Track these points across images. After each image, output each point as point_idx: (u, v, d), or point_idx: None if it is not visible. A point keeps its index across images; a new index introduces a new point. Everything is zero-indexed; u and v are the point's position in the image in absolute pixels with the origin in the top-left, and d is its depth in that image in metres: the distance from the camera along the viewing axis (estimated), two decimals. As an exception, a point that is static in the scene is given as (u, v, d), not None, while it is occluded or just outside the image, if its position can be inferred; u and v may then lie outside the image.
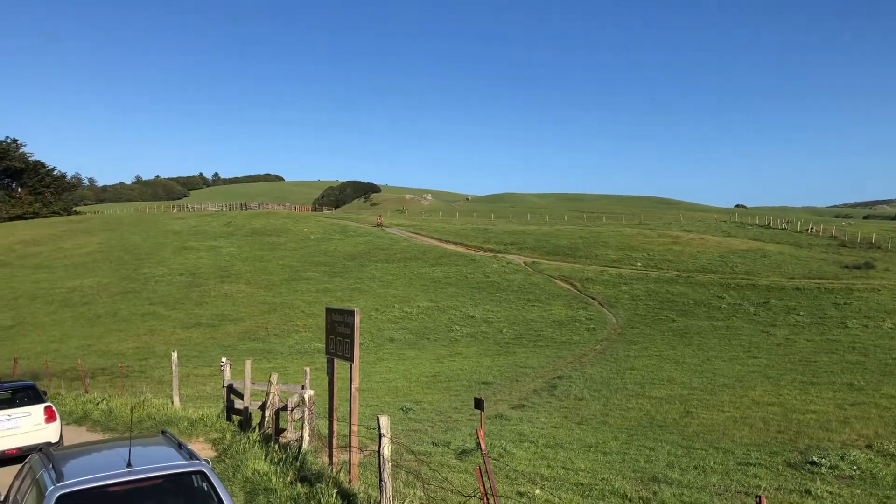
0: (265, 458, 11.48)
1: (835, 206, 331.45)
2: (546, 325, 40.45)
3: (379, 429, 8.19)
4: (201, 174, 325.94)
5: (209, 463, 6.66)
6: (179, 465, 6.27)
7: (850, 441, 14.43)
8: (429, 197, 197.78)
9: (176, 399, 18.80)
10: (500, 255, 65.13)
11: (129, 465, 6.02)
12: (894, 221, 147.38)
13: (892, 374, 22.41)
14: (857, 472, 12.22)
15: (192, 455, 6.62)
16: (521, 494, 10.78)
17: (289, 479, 10.32)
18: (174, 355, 18.90)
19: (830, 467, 12.49)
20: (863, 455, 13.11)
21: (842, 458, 12.90)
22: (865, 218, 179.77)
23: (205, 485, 6.22)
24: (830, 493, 11.08)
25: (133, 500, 5.95)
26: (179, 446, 6.96)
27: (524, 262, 60.89)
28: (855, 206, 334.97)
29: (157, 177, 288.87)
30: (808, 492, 11.15)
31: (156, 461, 6.29)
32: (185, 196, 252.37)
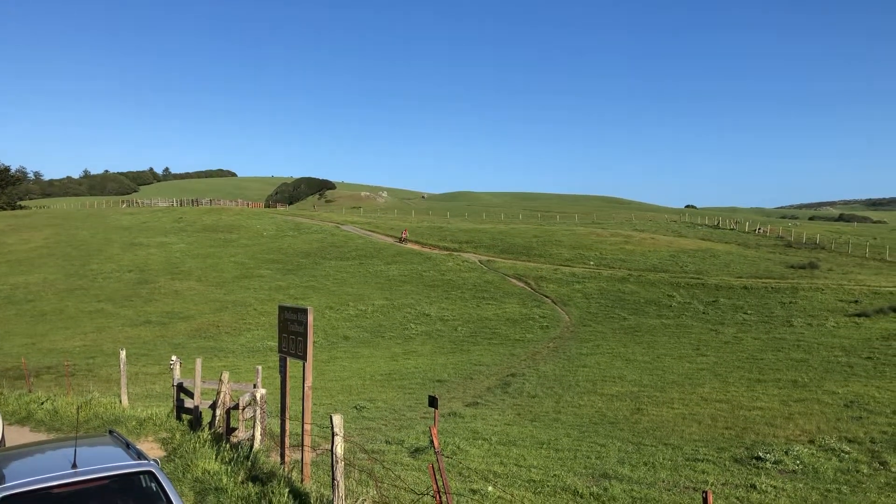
0: (216, 458, 11.34)
1: (782, 207, 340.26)
2: (500, 322, 40.68)
3: (332, 427, 8.16)
4: (151, 169, 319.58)
5: (158, 463, 6.56)
6: (127, 465, 6.16)
7: (794, 436, 14.81)
8: (384, 194, 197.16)
9: (124, 398, 18.42)
10: (455, 253, 65.26)
11: (74, 465, 5.89)
12: (838, 223, 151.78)
13: (834, 371, 23.07)
14: (800, 467, 12.55)
15: (140, 455, 6.51)
16: (473, 492, 10.84)
17: (240, 478, 10.21)
18: (122, 353, 18.52)
19: (775, 462, 12.81)
20: (805, 450, 13.48)
21: (786, 453, 13.24)
22: (811, 219, 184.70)
23: (153, 485, 6.12)
24: (774, 487, 11.36)
25: (78, 501, 5.82)
26: (127, 446, 6.84)
27: (479, 261, 61.13)
28: (801, 207, 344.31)
29: (106, 171, 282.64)
30: (753, 486, 11.42)
31: (102, 461, 6.17)
32: (135, 191, 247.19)
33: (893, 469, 12.16)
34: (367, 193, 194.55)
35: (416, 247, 69.37)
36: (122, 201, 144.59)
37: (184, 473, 10.75)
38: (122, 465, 6.15)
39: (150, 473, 6.16)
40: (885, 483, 11.57)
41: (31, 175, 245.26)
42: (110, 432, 7.69)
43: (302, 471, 10.25)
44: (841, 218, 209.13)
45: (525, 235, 73.51)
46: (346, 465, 8.58)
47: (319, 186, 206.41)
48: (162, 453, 12.81)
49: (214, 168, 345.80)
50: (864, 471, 12.24)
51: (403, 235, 74.34)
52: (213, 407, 13.94)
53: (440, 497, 7.24)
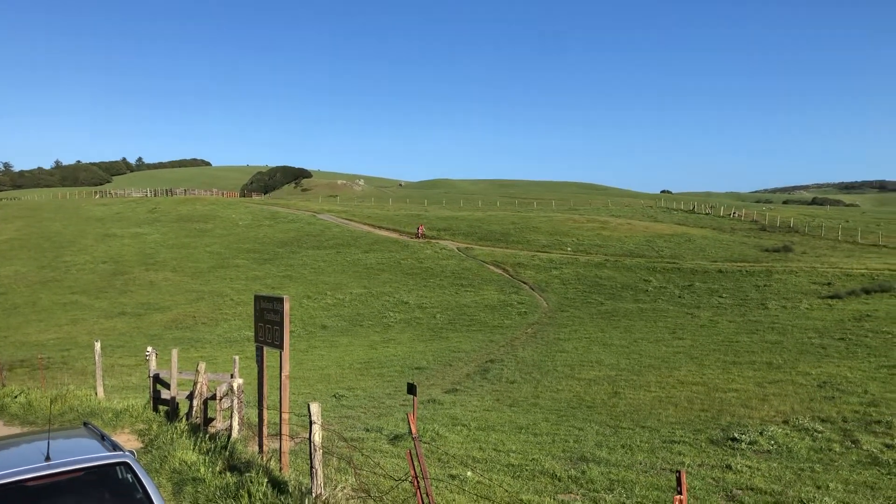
0: (193, 448, 11.27)
1: (756, 192, 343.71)
2: (479, 309, 40.77)
3: (310, 416, 8.13)
4: (124, 159, 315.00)
5: (134, 454, 6.48)
6: (102, 457, 6.08)
7: (769, 417, 15.02)
8: (361, 183, 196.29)
9: (100, 390, 18.24)
10: (433, 240, 65.24)
11: (47, 458, 5.81)
12: (811, 206, 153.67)
13: (808, 352, 23.40)
14: (775, 447, 12.74)
15: (115, 446, 6.43)
16: (452, 477, 10.87)
17: (218, 468, 10.16)
18: (97, 345, 18.32)
19: (750, 443, 12.98)
20: (780, 430, 13.67)
21: (760, 433, 13.42)
22: (785, 203, 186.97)
23: (129, 476, 6.05)
24: (749, 467, 11.52)
25: (53, 494, 5.75)
26: (102, 438, 6.75)
27: (457, 248, 61.15)
28: (775, 191, 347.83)
29: (78, 162, 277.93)
30: (728, 467, 11.57)
31: (77, 454, 6.09)
32: (108, 182, 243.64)
33: (865, 447, 12.37)
34: (344, 182, 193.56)
35: (394, 234, 69.23)
36: (95, 192, 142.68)
37: (161, 464, 10.68)
38: (97, 456, 6.07)
39: (126, 465, 6.08)
40: (857, 461, 11.78)
41: (0, 166, 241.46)
42: (85, 424, 7.60)
43: (280, 460, 10.22)
44: (814, 202, 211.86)
45: (503, 222, 73.62)
46: (324, 453, 8.57)
47: (295, 175, 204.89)
48: (139, 445, 12.71)
49: (188, 157, 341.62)
50: (837, 449, 12.45)
51: (420, 231, 68.46)
52: (191, 397, 13.85)
53: (418, 482, 7.26)
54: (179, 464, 10.51)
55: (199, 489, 9.35)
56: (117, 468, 6.09)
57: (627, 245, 59.32)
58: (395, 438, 14.09)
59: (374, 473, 10.16)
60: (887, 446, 12.35)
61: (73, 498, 5.83)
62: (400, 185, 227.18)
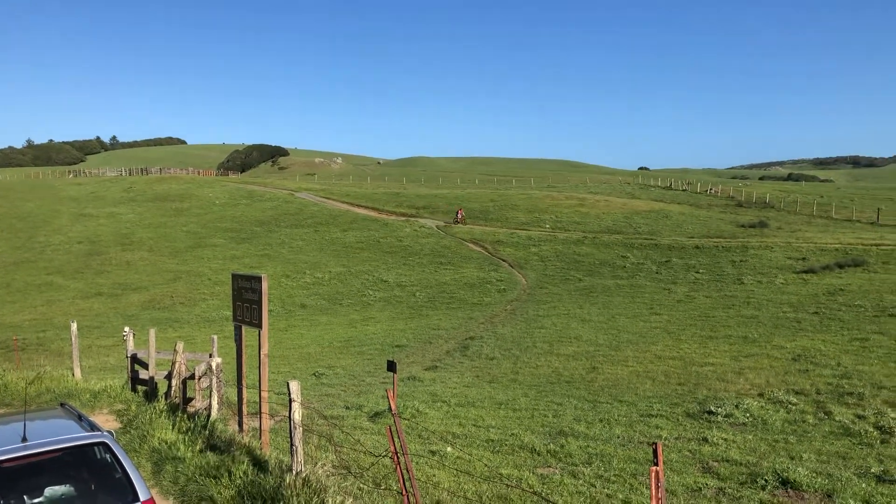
0: (172, 428, 11.23)
1: (733, 168, 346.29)
2: (458, 287, 40.85)
3: (289, 394, 8.13)
4: (98, 138, 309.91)
5: (112, 434, 6.46)
6: (79, 437, 6.06)
7: (745, 391, 15.24)
8: (339, 160, 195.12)
9: (77, 371, 18.09)
10: (412, 219, 65.13)
11: (24, 439, 5.77)
12: (787, 182, 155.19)
13: (782, 326, 23.71)
14: (750, 420, 12.94)
15: (93, 426, 6.40)
16: (433, 453, 10.95)
17: (198, 447, 10.14)
18: (74, 326, 18.15)
19: (726, 416, 13.18)
20: (755, 403, 13.89)
21: (736, 406, 13.62)
22: (761, 179, 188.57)
23: (108, 456, 6.03)
24: (725, 439, 11.70)
25: (31, 475, 5.72)
26: (80, 418, 6.72)
27: (436, 226, 61.10)
28: (751, 167, 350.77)
29: (51, 141, 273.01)
30: (705, 439, 11.74)
31: (54, 434, 6.05)
32: (82, 161, 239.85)
33: (837, 418, 12.61)
34: (322, 160, 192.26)
35: (372, 213, 69.01)
36: (69, 171, 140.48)
37: (140, 444, 10.65)
38: (75, 437, 6.04)
39: (104, 445, 6.06)
40: (829, 431, 12.01)
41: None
42: (62, 405, 7.55)
43: (260, 438, 10.23)
44: (790, 177, 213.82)
45: (481, 200, 73.62)
46: (304, 430, 8.58)
47: (272, 153, 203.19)
48: (118, 425, 12.65)
49: (164, 136, 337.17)
50: (810, 421, 12.68)
51: (459, 216, 62.77)
52: (169, 377, 13.79)
53: (398, 458, 7.30)
54: (159, 443, 10.48)
55: (179, 468, 9.34)
56: (96, 448, 6.07)
57: (605, 222, 59.61)
58: (375, 416, 14.15)
59: (355, 450, 10.20)
60: (859, 417, 12.59)
61: (52, 478, 5.81)
62: (378, 163, 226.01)
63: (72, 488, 5.83)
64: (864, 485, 9.08)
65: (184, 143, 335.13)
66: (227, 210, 73.16)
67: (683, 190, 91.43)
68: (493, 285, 40.62)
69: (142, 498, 5.75)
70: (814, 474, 9.48)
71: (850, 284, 30.96)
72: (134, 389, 15.51)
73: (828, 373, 16.29)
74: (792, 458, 10.49)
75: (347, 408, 15.36)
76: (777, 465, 10.00)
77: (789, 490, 9.13)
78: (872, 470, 9.71)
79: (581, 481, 9.58)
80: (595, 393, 16.26)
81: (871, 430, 11.81)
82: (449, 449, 11.13)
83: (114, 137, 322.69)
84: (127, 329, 16.25)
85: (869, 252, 39.23)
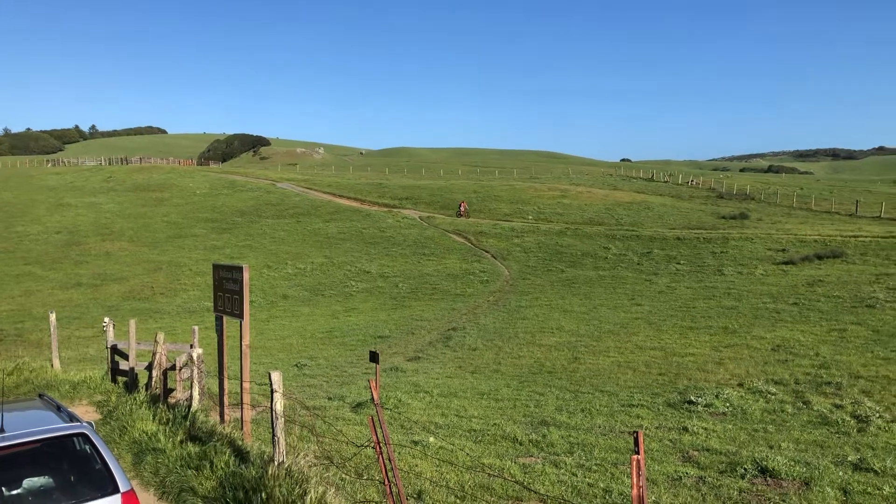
0: (153, 419, 11.18)
1: (714, 160, 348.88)
2: (441, 278, 40.85)
3: (271, 384, 8.10)
4: (77, 127, 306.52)
5: (92, 425, 6.41)
6: (58, 428, 6.01)
7: (724, 380, 15.37)
8: (321, 151, 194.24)
9: (56, 362, 17.95)
10: (395, 209, 65.00)
11: (1, 430, 5.71)
12: (767, 174, 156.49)
13: (762, 317, 23.92)
14: (730, 409, 13.05)
15: (72, 417, 6.36)
16: (415, 443, 10.95)
17: (179, 438, 10.09)
18: (52, 316, 18.00)
19: (706, 405, 13.28)
20: (735, 393, 14.01)
21: (716, 396, 13.73)
22: (741, 171, 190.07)
23: (88, 448, 5.99)
24: (705, 429, 11.80)
25: (8, 467, 5.67)
26: (59, 409, 6.67)
27: (419, 217, 61.03)
28: (732, 159, 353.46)
29: (29, 129, 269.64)
30: (685, 429, 11.83)
31: (32, 425, 6.00)
32: (61, 150, 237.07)
33: (815, 408, 12.75)
34: (304, 150, 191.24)
35: (355, 203, 68.79)
36: (48, 160, 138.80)
37: (121, 435, 10.59)
38: (53, 428, 5.99)
39: (84, 436, 6.02)
40: (808, 420, 12.14)
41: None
42: (40, 396, 7.49)
43: (242, 429, 10.19)
44: (770, 169, 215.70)
45: (464, 191, 73.59)
46: (287, 421, 8.55)
47: (253, 143, 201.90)
48: (98, 416, 12.56)
49: (144, 125, 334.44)
50: (789, 410, 12.81)
51: (462, 209, 62.19)
52: (150, 368, 13.70)
53: (380, 448, 7.30)
54: (139, 434, 10.42)
55: (160, 460, 9.30)
56: (75, 439, 6.03)
57: (587, 213, 59.81)
58: (357, 406, 14.13)
59: (337, 441, 10.19)
60: (836, 406, 12.74)
61: (30, 470, 5.76)
62: (361, 153, 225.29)
63: (51, 480, 5.79)
64: (841, 473, 9.19)
65: (164, 132, 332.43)
66: (208, 200, 72.64)
67: (665, 181, 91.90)
68: (476, 276, 40.66)
69: (122, 489, 5.72)
70: (792, 462, 9.58)
71: (828, 275, 31.29)
72: (114, 380, 15.41)
73: (806, 363, 16.46)
74: (771, 447, 10.60)
75: (330, 398, 15.33)
76: (756, 454, 10.09)
77: (768, 478, 9.22)
78: (849, 458, 9.83)
79: (563, 470, 9.62)
80: (577, 383, 16.33)
81: (849, 419, 11.95)
82: (431, 439, 11.14)
83: (93, 126, 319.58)
84: (107, 320, 16.13)
85: (847, 244, 39.67)
